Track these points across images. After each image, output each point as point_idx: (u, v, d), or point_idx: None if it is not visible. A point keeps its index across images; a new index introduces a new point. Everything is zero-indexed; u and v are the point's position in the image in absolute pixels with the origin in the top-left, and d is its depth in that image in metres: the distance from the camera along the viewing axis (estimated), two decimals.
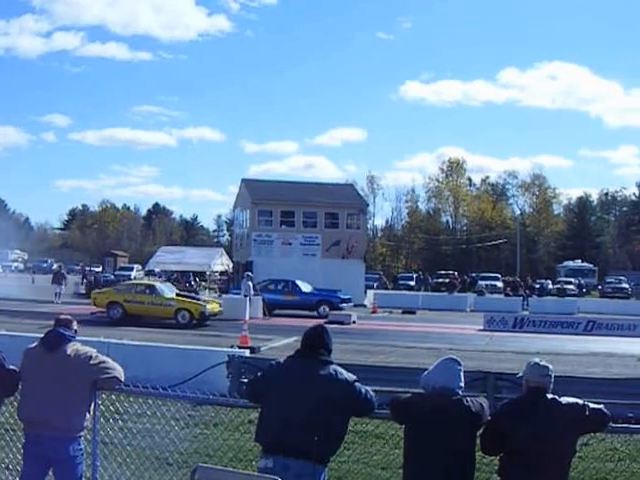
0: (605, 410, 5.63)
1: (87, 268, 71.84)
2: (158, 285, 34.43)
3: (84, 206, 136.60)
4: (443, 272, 76.58)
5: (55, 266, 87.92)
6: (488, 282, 69.60)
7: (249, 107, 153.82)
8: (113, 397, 7.35)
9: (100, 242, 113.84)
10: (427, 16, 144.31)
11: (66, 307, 34.59)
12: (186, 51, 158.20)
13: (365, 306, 46.34)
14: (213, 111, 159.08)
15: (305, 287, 39.80)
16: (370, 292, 53.09)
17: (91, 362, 6.29)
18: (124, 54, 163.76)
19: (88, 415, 6.41)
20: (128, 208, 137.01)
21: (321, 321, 25.60)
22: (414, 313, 43.46)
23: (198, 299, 33.91)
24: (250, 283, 35.66)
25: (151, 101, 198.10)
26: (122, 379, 6.45)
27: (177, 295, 33.20)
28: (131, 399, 7.64)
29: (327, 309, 37.41)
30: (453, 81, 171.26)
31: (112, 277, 59.37)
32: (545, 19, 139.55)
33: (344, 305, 38.86)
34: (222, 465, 7.25)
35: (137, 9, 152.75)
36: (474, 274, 79.11)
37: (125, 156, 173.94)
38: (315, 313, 37.23)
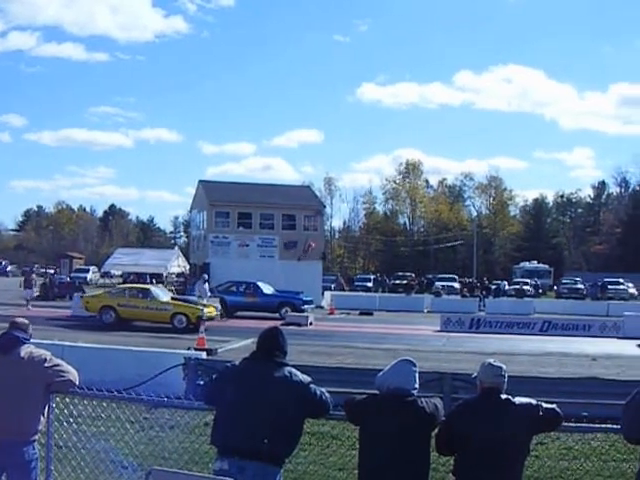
0: (558, 410, 5.68)
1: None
2: (153, 289, 33.95)
3: (39, 207, 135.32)
4: (400, 273, 76.87)
5: (9, 267, 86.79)
6: (445, 283, 70.01)
7: (206, 108, 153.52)
8: (67, 400, 7.25)
9: (55, 243, 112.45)
10: (383, 19, 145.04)
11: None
12: (143, 52, 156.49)
13: (322, 307, 46.40)
14: (170, 112, 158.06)
15: (267, 289, 39.59)
16: (327, 293, 53.17)
17: (45, 365, 6.23)
18: (80, 54, 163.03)
19: (42, 418, 6.35)
20: (84, 209, 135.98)
21: (277, 323, 25.56)
22: (371, 314, 43.68)
23: (195, 303, 33.34)
24: (206, 285, 35.39)
25: (108, 102, 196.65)
26: (77, 382, 6.41)
27: (172, 299, 32.87)
28: (86, 402, 7.54)
29: (289, 311, 37.18)
30: (409, 83, 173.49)
31: (68, 279, 58.74)
32: (499, 22, 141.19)
33: (306, 307, 38.79)
34: (178, 468, 7.20)
35: (94, 10, 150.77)
36: (431, 275, 79.54)
37: (81, 157, 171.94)
38: (277, 315, 37.04)
